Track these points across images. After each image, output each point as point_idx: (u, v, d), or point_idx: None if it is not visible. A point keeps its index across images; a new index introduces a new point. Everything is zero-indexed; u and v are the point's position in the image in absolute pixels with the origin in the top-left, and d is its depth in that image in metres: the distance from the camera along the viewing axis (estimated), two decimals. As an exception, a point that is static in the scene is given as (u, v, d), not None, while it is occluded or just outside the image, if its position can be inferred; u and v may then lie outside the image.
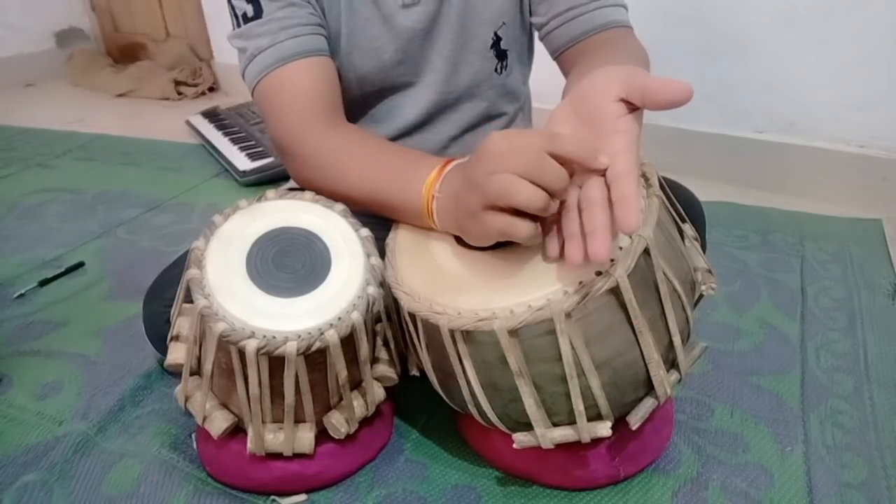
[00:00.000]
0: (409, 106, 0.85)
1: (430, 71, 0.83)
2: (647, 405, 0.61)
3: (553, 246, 0.55)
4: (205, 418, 0.68)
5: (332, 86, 0.76)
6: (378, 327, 0.71)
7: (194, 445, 0.78)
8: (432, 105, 0.85)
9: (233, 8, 0.76)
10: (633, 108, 0.53)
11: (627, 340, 0.58)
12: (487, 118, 0.90)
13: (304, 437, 0.68)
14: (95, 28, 2.64)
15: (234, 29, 0.76)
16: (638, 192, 0.48)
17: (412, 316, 0.63)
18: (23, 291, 1.11)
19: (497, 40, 0.83)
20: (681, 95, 0.49)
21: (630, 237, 0.55)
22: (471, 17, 0.80)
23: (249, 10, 0.74)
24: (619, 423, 0.62)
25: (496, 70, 0.85)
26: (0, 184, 1.59)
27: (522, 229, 0.53)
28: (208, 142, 1.77)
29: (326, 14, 0.78)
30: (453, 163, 0.64)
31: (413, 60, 0.82)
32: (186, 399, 0.70)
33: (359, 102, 0.85)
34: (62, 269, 1.17)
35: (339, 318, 0.62)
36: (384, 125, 0.86)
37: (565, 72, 0.80)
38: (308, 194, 0.71)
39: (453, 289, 0.60)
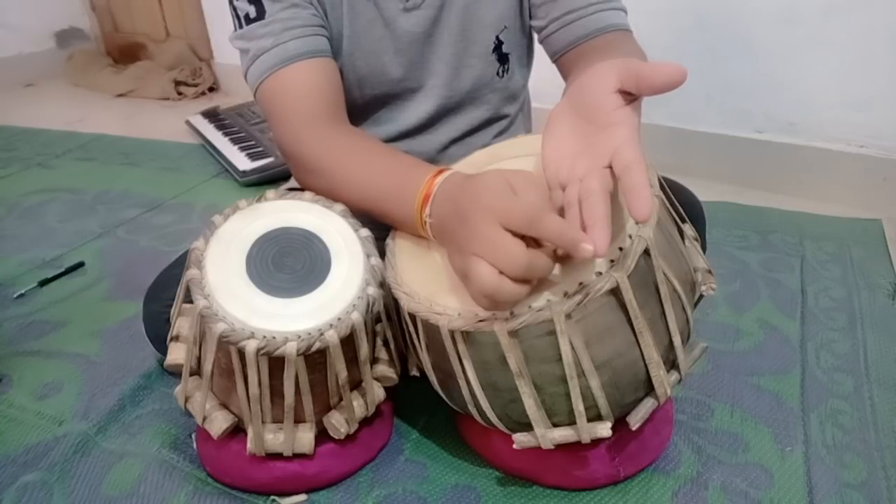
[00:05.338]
0: (412, 110, 0.85)
1: (432, 75, 0.83)
2: (647, 405, 0.61)
3: None
4: (205, 418, 0.69)
5: (334, 87, 0.76)
6: (378, 327, 0.71)
7: (194, 445, 0.78)
8: (435, 109, 0.84)
9: (234, 9, 0.75)
10: (630, 99, 0.52)
11: (627, 341, 0.57)
12: (489, 121, 0.89)
13: (304, 438, 0.68)
14: (95, 28, 2.63)
15: (235, 30, 0.76)
16: (648, 181, 0.47)
17: (412, 316, 0.62)
18: (23, 291, 1.11)
19: (499, 44, 0.83)
20: (674, 77, 0.48)
21: (630, 237, 0.55)
22: (472, 22, 0.80)
23: (252, 11, 0.74)
24: (619, 424, 0.62)
25: (498, 74, 0.85)
26: (0, 184, 1.59)
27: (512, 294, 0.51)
28: (208, 142, 1.77)
29: (328, 15, 0.78)
30: (436, 182, 0.61)
31: (415, 64, 0.82)
32: (186, 399, 0.70)
33: (361, 105, 0.85)
34: (62, 269, 1.17)
35: (339, 319, 0.61)
36: (387, 127, 0.86)
37: (564, 75, 0.80)
38: (308, 194, 0.71)
39: (453, 289, 0.59)
